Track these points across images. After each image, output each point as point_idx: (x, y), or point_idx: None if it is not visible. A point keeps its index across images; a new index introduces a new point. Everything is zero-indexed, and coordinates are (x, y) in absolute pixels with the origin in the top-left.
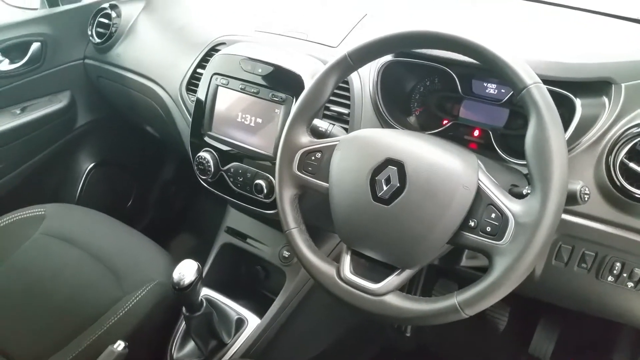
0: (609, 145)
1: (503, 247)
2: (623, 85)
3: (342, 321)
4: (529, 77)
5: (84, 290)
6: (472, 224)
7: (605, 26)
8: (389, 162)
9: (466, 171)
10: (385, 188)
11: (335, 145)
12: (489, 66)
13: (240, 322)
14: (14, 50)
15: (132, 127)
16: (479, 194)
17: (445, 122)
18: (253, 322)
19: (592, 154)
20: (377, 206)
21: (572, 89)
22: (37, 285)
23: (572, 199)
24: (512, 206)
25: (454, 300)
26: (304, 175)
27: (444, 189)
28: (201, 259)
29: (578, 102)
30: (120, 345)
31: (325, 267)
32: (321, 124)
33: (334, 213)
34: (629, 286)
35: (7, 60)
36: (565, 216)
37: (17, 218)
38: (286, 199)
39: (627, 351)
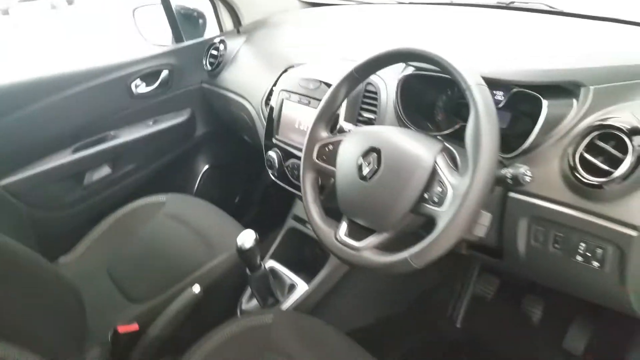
0: (572, 140)
1: (443, 211)
2: (592, 88)
3: (389, 303)
4: (471, 79)
5: (185, 254)
6: (426, 196)
7: (579, 28)
8: (371, 149)
9: (426, 155)
10: (367, 169)
11: (342, 139)
12: (444, 71)
13: (292, 287)
14: (149, 77)
15: (237, 137)
16: (434, 173)
17: (457, 125)
18: (302, 287)
19: (558, 147)
20: (361, 183)
21: (542, 91)
22: (155, 250)
23: (515, 181)
24: (452, 180)
25: (406, 254)
26: (319, 162)
27: (406, 168)
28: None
29: (545, 103)
30: (197, 287)
31: (327, 230)
32: (347, 126)
33: (337, 190)
34: (595, 265)
35: (144, 84)
36: (534, 200)
37: (145, 203)
38: (307, 180)
39: None
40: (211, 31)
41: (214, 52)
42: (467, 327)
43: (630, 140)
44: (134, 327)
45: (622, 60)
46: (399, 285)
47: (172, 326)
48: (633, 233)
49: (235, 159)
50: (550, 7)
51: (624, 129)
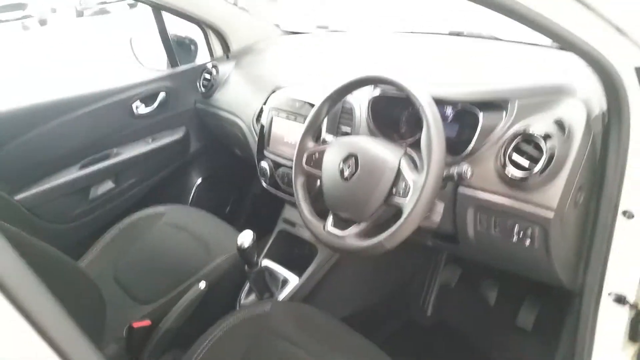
0: (502, 144)
1: (406, 202)
2: (516, 101)
3: (369, 293)
4: (423, 99)
5: (187, 257)
6: (394, 190)
7: (512, 51)
8: (350, 155)
9: (392, 158)
10: (347, 171)
11: (326, 148)
12: (402, 92)
13: (285, 281)
14: (147, 99)
15: (228, 151)
16: (399, 172)
17: (418, 135)
18: (294, 281)
19: (493, 150)
20: (343, 183)
21: (480, 105)
22: (159, 256)
23: (460, 176)
24: (412, 177)
25: (380, 237)
26: (307, 168)
27: (378, 169)
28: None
29: (481, 115)
30: (202, 284)
31: (317, 223)
32: (329, 137)
33: (323, 190)
34: (527, 243)
35: (143, 105)
36: (477, 192)
37: (146, 214)
38: (299, 183)
39: None
40: (202, 56)
41: (207, 76)
42: (436, 313)
43: (545, 143)
44: (147, 322)
45: (539, 81)
46: (377, 277)
47: (181, 320)
48: (550, 214)
49: (226, 171)
50: (492, 35)
51: (539, 135)
